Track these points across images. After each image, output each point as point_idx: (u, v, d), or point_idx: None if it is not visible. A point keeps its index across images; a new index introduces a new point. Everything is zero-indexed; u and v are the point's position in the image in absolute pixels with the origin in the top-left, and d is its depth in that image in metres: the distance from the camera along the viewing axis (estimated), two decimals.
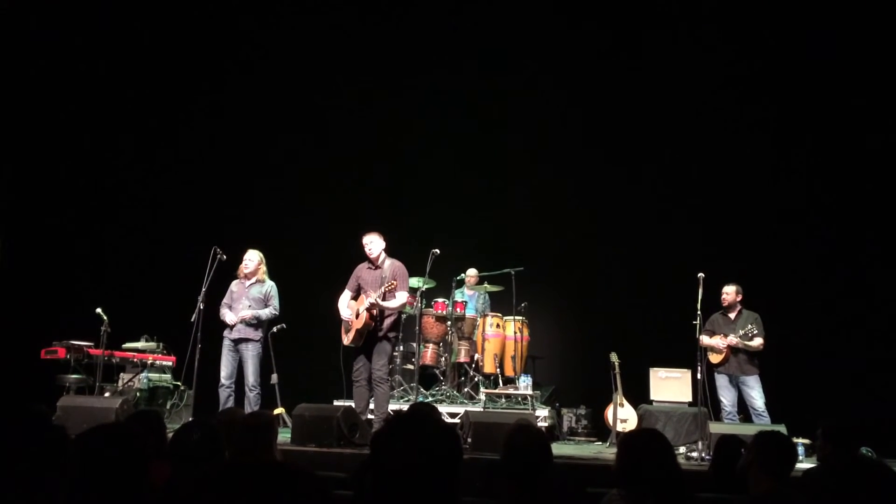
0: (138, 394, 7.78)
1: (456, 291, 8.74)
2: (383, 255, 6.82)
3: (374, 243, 6.77)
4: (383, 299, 6.59)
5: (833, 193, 8.69)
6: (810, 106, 8.74)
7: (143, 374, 7.97)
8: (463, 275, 8.94)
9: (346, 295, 6.90)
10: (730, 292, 7.38)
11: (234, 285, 7.29)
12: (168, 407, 7.96)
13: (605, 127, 9.52)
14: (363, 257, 6.87)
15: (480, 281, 9.04)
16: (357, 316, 6.67)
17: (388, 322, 6.72)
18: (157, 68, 9.82)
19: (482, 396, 8.04)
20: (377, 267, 6.79)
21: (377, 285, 6.66)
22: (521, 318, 8.54)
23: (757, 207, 8.93)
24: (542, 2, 9.73)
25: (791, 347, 7.88)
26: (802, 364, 8.02)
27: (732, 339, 7.14)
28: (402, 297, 6.74)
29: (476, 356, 8.54)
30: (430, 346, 8.46)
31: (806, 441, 6.37)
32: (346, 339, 6.79)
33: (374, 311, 6.62)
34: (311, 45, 9.94)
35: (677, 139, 9.19)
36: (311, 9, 9.96)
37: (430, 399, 8.01)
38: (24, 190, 9.44)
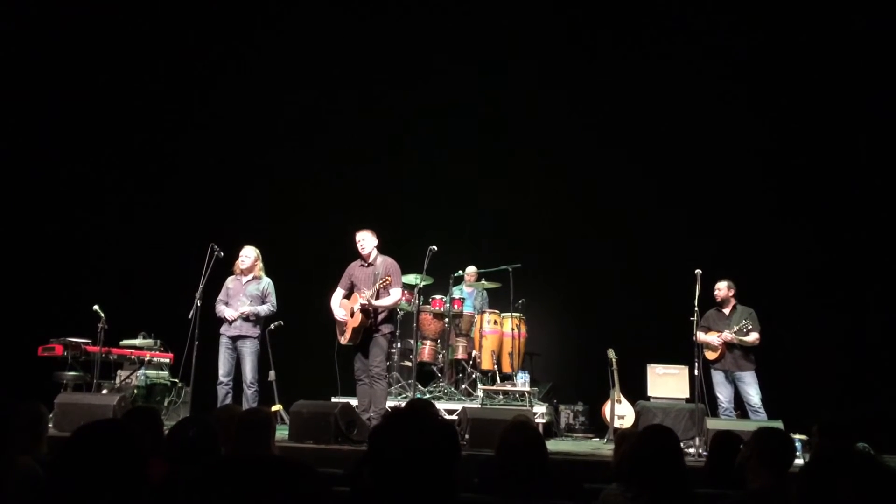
0: (136, 391, 7.77)
1: (454, 288, 8.75)
2: (375, 252, 6.84)
3: (366, 240, 6.79)
4: (377, 297, 6.60)
5: (830, 188, 8.69)
6: (808, 102, 8.75)
7: (141, 371, 7.97)
8: (461, 272, 8.94)
9: (339, 293, 6.91)
10: (721, 288, 7.38)
11: (230, 282, 7.28)
12: (166, 404, 7.95)
13: (603, 124, 9.52)
14: (359, 254, 6.88)
15: (479, 278, 9.04)
16: (352, 315, 6.67)
17: (382, 317, 6.73)
18: (154, 66, 9.79)
19: (480, 393, 8.04)
20: (369, 264, 6.80)
21: (370, 283, 6.67)
22: (518, 314, 8.54)
23: (754, 203, 8.94)
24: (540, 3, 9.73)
25: (787, 343, 7.89)
26: (799, 360, 8.03)
27: (727, 335, 7.13)
28: (395, 294, 6.76)
29: (474, 353, 8.55)
30: (428, 342, 8.46)
31: (803, 437, 6.37)
32: (343, 339, 6.79)
33: (369, 309, 6.62)
34: (310, 43, 9.92)
35: (674, 136, 9.19)
36: (310, 6, 9.94)
37: (428, 396, 8.02)
38: (22, 187, 9.41)
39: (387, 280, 6.57)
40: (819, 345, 8.22)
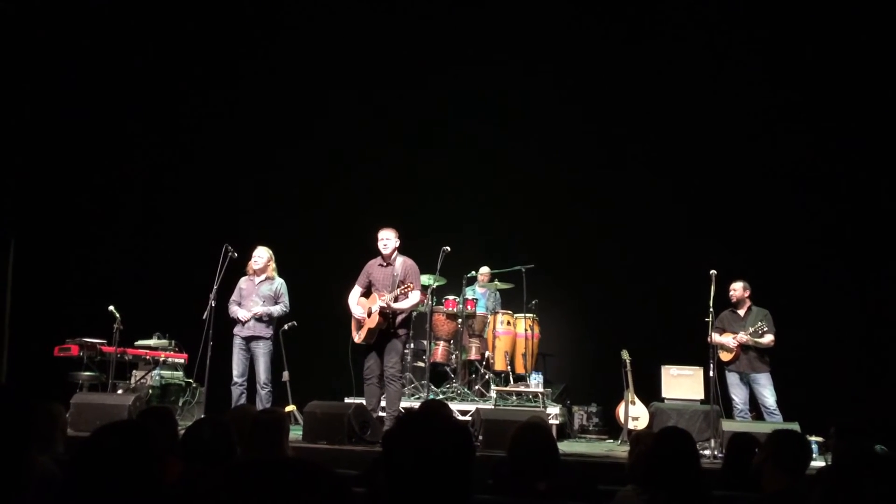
0: (150, 391, 7.81)
1: (467, 289, 8.74)
2: (396, 252, 6.81)
3: (389, 240, 6.75)
4: (396, 301, 6.59)
5: (845, 189, 8.62)
6: (822, 101, 8.68)
7: (156, 372, 8.01)
8: (474, 272, 8.93)
9: (356, 291, 6.88)
10: (737, 288, 7.33)
11: (243, 282, 7.31)
12: (180, 404, 7.98)
13: (617, 124, 9.48)
14: (374, 254, 6.87)
15: (492, 278, 9.03)
16: (369, 315, 6.66)
17: (400, 320, 6.72)
18: (167, 65, 9.83)
19: (493, 394, 8.03)
20: (389, 264, 6.78)
21: (389, 283, 6.65)
22: (531, 315, 8.52)
23: (769, 204, 8.87)
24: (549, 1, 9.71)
25: (803, 344, 7.83)
26: (814, 361, 7.97)
27: (743, 337, 7.09)
28: (414, 298, 6.73)
29: (487, 354, 8.54)
30: (441, 343, 8.45)
31: (819, 439, 6.33)
32: (358, 338, 6.78)
33: (388, 312, 6.61)
34: (323, 42, 9.94)
35: (688, 136, 9.14)
36: (324, 5, 9.95)
37: (441, 396, 8.01)
38: (37, 188, 9.49)
39: (409, 287, 6.54)
40: (834, 346, 8.15)
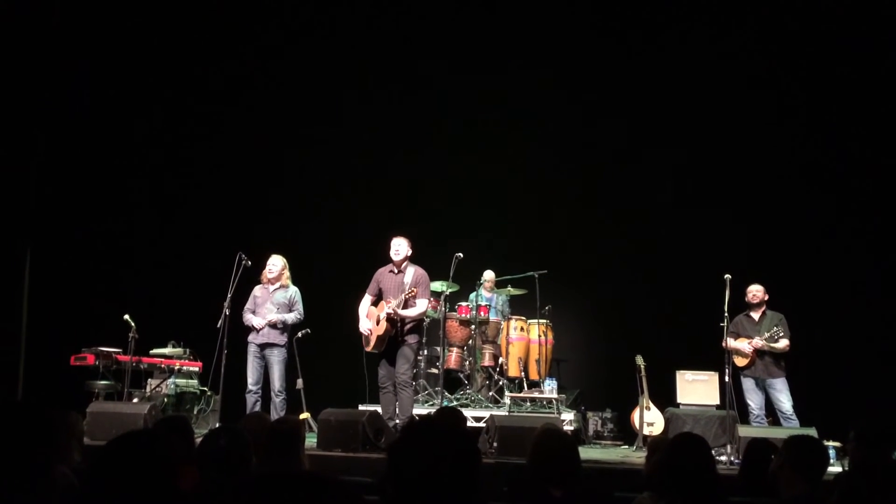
0: (166, 399, 7.84)
1: (472, 294, 8.72)
2: (407, 261, 6.81)
3: (401, 247, 6.76)
4: (404, 307, 6.58)
5: (861, 193, 8.56)
6: (838, 102, 8.63)
7: (171, 380, 8.04)
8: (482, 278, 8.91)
9: (367, 300, 6.89)
10: (759, 291, 7.28)
11: (258, 290, 7.34)
12: (195, 412, 8.01)
13: (630, 128, 9.45)
14: (386, 260, 6.88)
15: (504, 284, 8.99)
16: (378, 323, 6.66)
17: (409, 327, 6.71)
18: (181, 74, 9.90)
19: (507, 400, 8.02)
20: (399, 272, 6.78)
21: (398, 291, 6.64)
22: (545, 321, 8.50)
23: (784, 208, 8.82)
24: (567, 4, 9.71)
25: (820, 349, 7.77)
26: (832, 366, 7.90)
27: (758, 342, 7.04)
28: (422, 305, 6.72)
29: (500, 360, 8.52)
30: (455, 349, 8.45)
31: (837, 444, 6.27)
32: (369, 347, 6.80)
33: (395, 319, 6.61)
34: (333, 48, 9.98)
35: (702, 140, 9.10)
36: (333, 10, 10.00)
37: (455, 403, 8.00)
38: (53, 197, 9.57)
39: (413, 292, 6.54)
40: (852, 350, 8.08)
